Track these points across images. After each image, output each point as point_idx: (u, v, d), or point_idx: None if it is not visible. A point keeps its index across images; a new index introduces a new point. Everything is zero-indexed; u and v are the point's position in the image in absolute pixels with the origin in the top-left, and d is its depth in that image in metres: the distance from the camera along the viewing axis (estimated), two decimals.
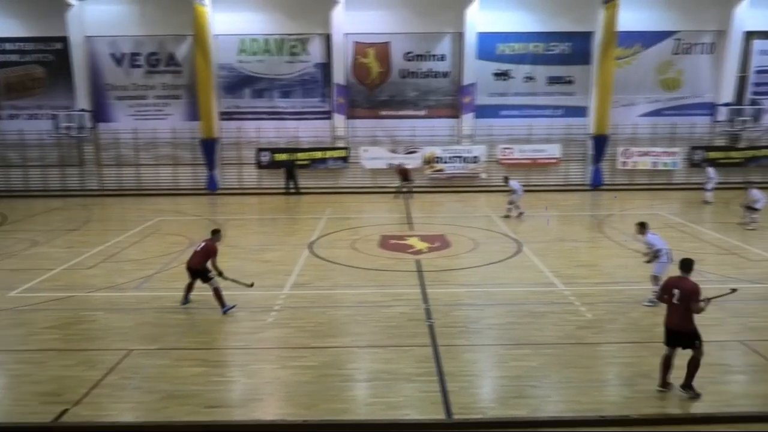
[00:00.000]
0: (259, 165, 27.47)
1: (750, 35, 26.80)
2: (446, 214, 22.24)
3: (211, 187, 27.35)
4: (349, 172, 27.50)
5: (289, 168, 26.91)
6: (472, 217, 20.86)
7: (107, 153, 27.82)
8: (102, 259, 15.33)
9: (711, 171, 23.82)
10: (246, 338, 10.03)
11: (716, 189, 23.56)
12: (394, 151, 27.15)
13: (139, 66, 27.15)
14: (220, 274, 11.21)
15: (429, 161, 27.15)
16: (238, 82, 27.29)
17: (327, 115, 27.52)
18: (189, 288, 11.57)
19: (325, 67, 27.11)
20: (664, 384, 7.93)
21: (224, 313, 10.98)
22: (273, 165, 27.37)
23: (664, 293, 8.05)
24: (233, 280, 11.41)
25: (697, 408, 7.58)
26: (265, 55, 27.08)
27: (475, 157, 27.10)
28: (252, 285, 11.58)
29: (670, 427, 7.15)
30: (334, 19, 26.22)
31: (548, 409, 7.62)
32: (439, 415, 7.48)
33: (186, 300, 11.57)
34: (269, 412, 7.69)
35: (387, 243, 16.83)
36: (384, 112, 27.60)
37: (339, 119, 27.17)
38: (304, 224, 19.80)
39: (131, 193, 27.40)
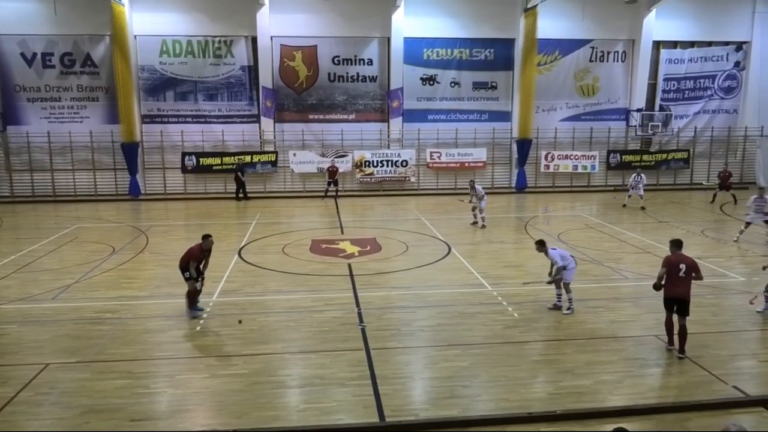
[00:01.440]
0: (184, 169, 26.70)
1: (658, 45, 28.45)
2: (377, 218, 22.37)
3: (134, 193, 26.35)
4: (278, 177, 27.20)
5: (238, 172, 26.19)
6: (403, 220, 21.08)
7: (18, 158, 26.28)
8: (14, 269, 14.47)
9: (641, 176, 23.50)
10: (173, 347, 9.72)
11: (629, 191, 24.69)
12: (323, 155, 27.05)
13: (52, 66, 25.83)
14: (197, 278, 10.98)
15: (358, 165, 27.23)
16: (160, 85, 26.45)
17: (254, 119, 27.10)
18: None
19: (252, 70, 26.71)
20: (672, 341, 9.48)
21: (190, 316, 10.88)
22: (199, 169, 26.67)
23: (669, 269, 9.28)
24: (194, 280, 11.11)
25: (617, 401, 7.95)
26: (188, 57, 26.38)
27: (404, 160, 27.40)
28: (240, 322, 10.80)
29: (593, 421, 7.45)
30: (260, 22, 25.87)
31: (478, 408, 7.79)
32: (372, 419, 7.50)
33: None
34: (197, 422, 7.48)
35: (318, 247, 16.75)
36: (313, 116, 27.47)
37: (267, 123, 26.83)
38: (232, 229, 19.40)
39: (46, 199, 26.01)
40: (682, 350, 9.25)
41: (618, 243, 17.34)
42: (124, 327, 10.66)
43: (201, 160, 26.59)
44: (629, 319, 11.08)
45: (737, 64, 29.20)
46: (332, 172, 25.80)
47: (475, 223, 19.89)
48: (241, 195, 26.16)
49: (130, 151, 25.88)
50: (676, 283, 9.23)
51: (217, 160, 26.64)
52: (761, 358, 9.37)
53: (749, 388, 8.25)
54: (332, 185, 25.87)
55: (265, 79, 26.32)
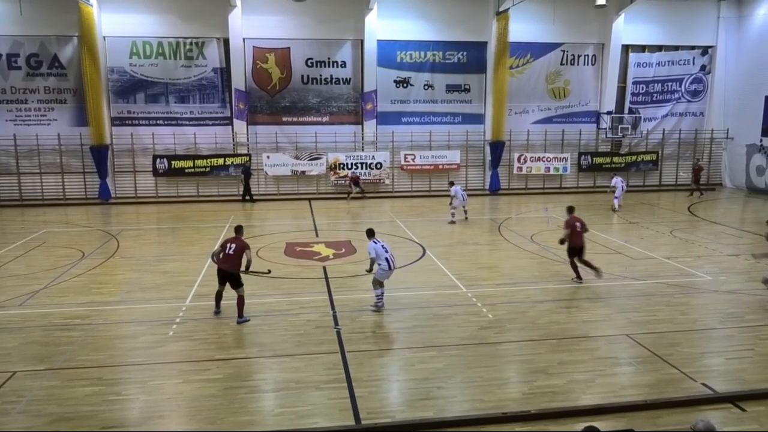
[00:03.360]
0: (156, 172, 26.34)
1: (627, 48, 28.96)
2: (351, 220, 22.34)
3: (104, 197, 25.90)
4: (252, 179, 26.98)
5: (245, 173, 26.07)
6: (377, 222, 21.07)
7: None
8: None
9: (616, 180, 23.79)
10: (145, 353, 9.57)
11: (602, 192, 25.09)
12: (297, 158, 26.95)
13: (18, 68, 25.28)
14: (247, 268, 11.07)
15: (333, 167, 27.18)
16: (130, 87, 26.06)
17: (227, 121, 26.87)
18: (219, 296, 11.28)
19: (224, 72, 26.48)
20: (579, 276, 13.54)
21: (239, 323, 10.83)
22: (170, 172, 26.34)
23: (570, 227, 13.38)
24: (254, 273, 11.44)
25: (589, 400, 8.05)
26: (159, 59, 26.05)
27: (379, 163, 27.43)
28: (269, 272, 12.04)
29: (566, 420, 7.53)
30: (232, 23, 25.68)
31: (454, 409, 7.82)
32: (348, 422, 7.48)
33: (218, 309, 11.29)
34: (171, 428, 7.37)
35: (292, 250, 16.66)
36: (286, 118, 27.34)
37: (240, 125, 26.62)
38: (205, 233, 19.19)
39: (12, 203, 25.41)
40: (588, 266, 13.33)
41: (589, 244, 17.51)
42: (94, 333, 10.46)
43: (173, 163, 26.26)
44: (601, 318, 11.24)
45: (703, 67, 29.88)
46: (354, 179, 26.43)
47: (452, 222, 20.57)
48: (247, 197, 25.99)
49: (100, 154, 25.44)
50: (576, 235, 13.32)
51: (190, 163, 26.34)
52: (729, 355, 9.58)
53: (717, 385, 8.43)
54: (356, 187, 26.38)
55: (238, 81, 26.12)
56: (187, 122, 26.66)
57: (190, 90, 26.53)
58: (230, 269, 10.90)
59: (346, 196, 26.56)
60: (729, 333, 10.59)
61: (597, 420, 7.26)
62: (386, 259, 11.31)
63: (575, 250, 13.40)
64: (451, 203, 20.85)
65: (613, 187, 23.68)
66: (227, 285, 11.07)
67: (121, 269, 14.97)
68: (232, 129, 26.78)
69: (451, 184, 21.70)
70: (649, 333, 10.40)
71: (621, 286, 13.40)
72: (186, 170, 26.38)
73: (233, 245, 10.98)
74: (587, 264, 13.35)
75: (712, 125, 30.03)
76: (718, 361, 9.40)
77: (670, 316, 11.33)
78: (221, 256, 11.02)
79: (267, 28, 26.33)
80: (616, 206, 23.31)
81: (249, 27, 26.02)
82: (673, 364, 9.11)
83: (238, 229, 11.49)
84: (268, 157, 26.78)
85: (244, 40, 26.13)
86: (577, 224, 13.35)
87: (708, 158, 30.23)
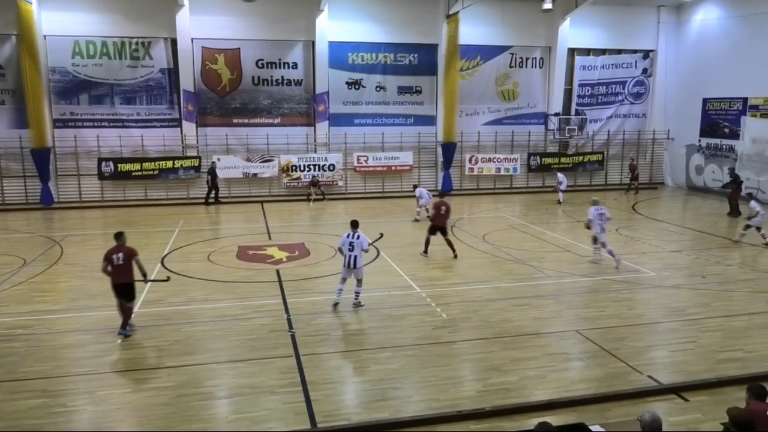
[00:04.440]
0: (101, 176, 25.53)
1: (573, 52, 29.73)
2: (305, 222, 22.20)
3: (46, 201, 24.95)
4: (202, 182, 26.46)
5: (212, 173, 25.47)
6: (331, 224, 21.00)
7: None
8: None
9: (560, 176, 26.03)
10: (92, 363, 9.27)
11: (552, 192, 25.75)
12: (248, 160, 26.59)
13: None
14: (145, 276, 10.41)
15: (285, 169, 26.94)
16: (73, 87, 25.19)
17: (176, 123, 26.28)
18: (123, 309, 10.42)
19: (172, 73, 25.90)
20: (426, 251, 15.89)
21: (121, 334, 10.15)
22: (117, 176, 25.58)
23: (436, 209, 15.75)
24: (152, 280, 11.15)
25: (542, 395, 8.23)
26: (104, 59, 25.26)
27: (332, 164, 27.34)
28: (168, 279, 11.92)
29: (520, 416, 7.67)
30: (179, 23, 25.14)
31: (410, 409, 7.86)
32: (303, 425, 7.43)
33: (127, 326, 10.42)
34: None
35: (245, 254, 16.44)
36: (237, 120, 26.94)
37: (189, 127, 26.07)
38: (154, 237, 18.72)
39: None
40: (450, 247, 15.61)
41: (540, 242, 17.96)
42: (38, 343, 10.08)
43: (119, 166, 25.51)
44: (551, 315, 11.50)
45: (645, 71, 30.93)
46: (314, 182, 26.55)
47: (416, 220, 21.26)
48: (212, 199, 25.46)
49: (41, 157, 24.49)
50: (439, 218, 15.59)
51: (137, 166, 25.64)
52: (672, 348, 9.95)
53: (662, 377, 8.74)
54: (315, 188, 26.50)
55: (186, 82, 25.59)
56: (134, 124, 25.95)
57: (136, 91, 25.83)
58: (127, 280, 10.24)
59: (306, 198, 26.41)
60: (672, 326, 11.00)
61: (549, 415, 7.42)
62: (345, 255, 11.62)
63: (435, 228, 15.78)
64: (418, 203, 21.57)
65: (560, 182, 25.61)
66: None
67: (65, 276, 14.46)
68: (181, 131, 26.21)
69: (415, 187, 22.50)
70: (597, 328, 10.70)
71: (570, 283, 13.74)
72: (133, 173, 25.67)
73: (120, 255, 10.17)
74: (450, 244, 15.68)
75: (654, 126, 31.10)
76: (663, 354, 9.76)
77: (617, 311, 11.69)
78: (111, 269, 10.18)
79: (216, 29, 25.89)
80: (561, 199, 25.33)
81: (197, 27, 25.53)
82: (620, 357, 9.40)
83: (119, 236, 10.43)
84: (218, 159, 26.32)
85: (192, 40, 25.62)
86: (443, 208, 15.63)
87: (651, 158, 31.29)
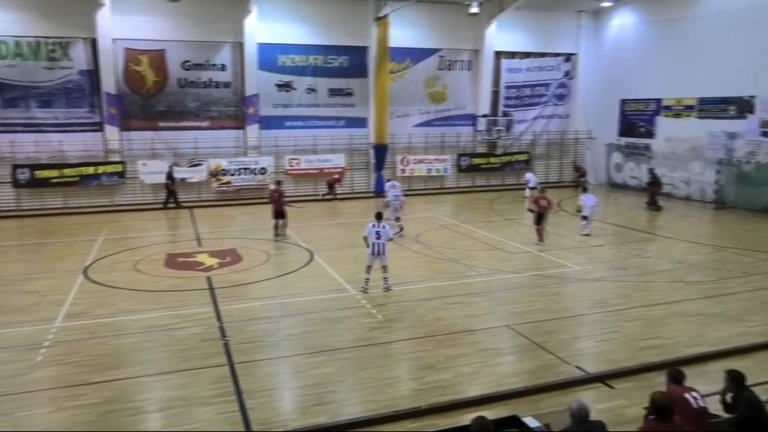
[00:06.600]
0: (17, 184, 24.17)
1: (499, 55, 30.53)
2: (236, 228, 21.77)
3: None
4: (127, 188, 25.52)
5: (170, 177, 24.57)
6: (264, 229, 20.66)
7: None
8: None
9: (529, 175, 27.27)
10: (10, 382, 8.75)
11: (483, 191, 26.30)
12: (176, 164, 25.81)
13: None
14: None
15: (215, 174, 26.34)
16: None
17: (97, 127, 25.19)
18: None
19: (93, 75, 24.82)
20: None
21: None
22: (34, 183, 24.27)
23: (271, 198, 18.18)
24: None
25: (476, 391, 8.40)
26: (17, 60, 23.91)
27: (263, 168, 26.95)
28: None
29: (455, 412, 7.81)
30: (100, 23, 24.13)
31: (347, 412, 7.86)
32: None
33: None
34: None
35: (174, 262, 15.96)
36: (163, 124, 26.10)
37: (112, 131, 25.06)
38: (76, 247, 17.88)
39: None
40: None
41: (471, 241, 18.33)
42: None
43: (36, 172, 24.19)
44: (483, 312, 11.77)
45: (567, 73, 32.13)
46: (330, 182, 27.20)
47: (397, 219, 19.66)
48: (171, 203, 24.58)
49: None
50: (277, 203, 18.36)
51: (56, 173, 24.41)
52: (598, 338, 10.39)
53: (589, 367, 9.11)
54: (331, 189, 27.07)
55: (108, 84, 24.59)
56: (52, 128, 24.67)
57: (54, 94, 24.58)
58: None
59: (330, 197, 27.02)
60: (597, 318, 11.48)
61: (484, 409, 7.57)
62: (372, 243, 12.67)
63: (278, 213, 18.70)
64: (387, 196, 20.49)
65: (527, 180, 26.86)
66: None
67: None
68: (104, 135, 25.15)
69: (388, 180, 23.11)
70: (527, 323, 11.03)
71: (501, 280, 14.10)
72: (52, 180, 24.42)
73: None
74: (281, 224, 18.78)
75: (576, 126, 32.34)
76: (589, 344, 10.17)
77: (545, 305, 12.09)
78: None
79: (139, 29, 24.99)
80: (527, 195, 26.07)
81: (119, 27, 24.56)
82: (549, 350, 9.73)
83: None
84: (144, 164, 25.43)
85: (114, 40, 24.63)
86: (275, 195, 18.77)
87: (573, 157, 32.52)
